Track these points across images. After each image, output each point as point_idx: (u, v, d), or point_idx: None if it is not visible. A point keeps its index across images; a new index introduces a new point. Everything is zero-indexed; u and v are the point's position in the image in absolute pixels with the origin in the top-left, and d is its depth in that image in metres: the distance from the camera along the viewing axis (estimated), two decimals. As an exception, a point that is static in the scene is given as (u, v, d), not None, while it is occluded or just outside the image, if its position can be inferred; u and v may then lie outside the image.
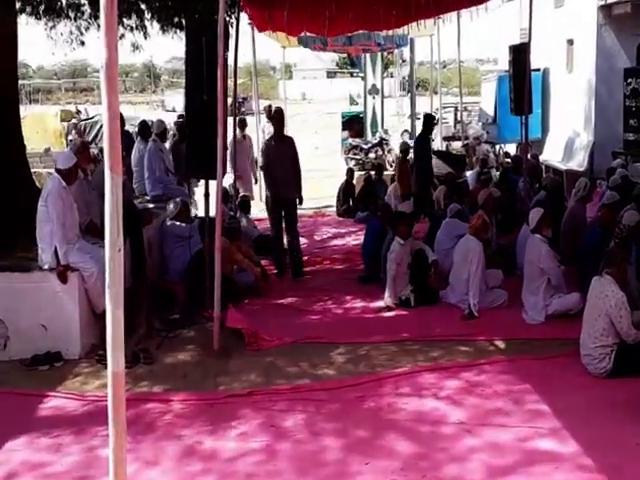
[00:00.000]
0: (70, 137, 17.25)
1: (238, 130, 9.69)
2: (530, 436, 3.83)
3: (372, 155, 15.35)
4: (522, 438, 3.81)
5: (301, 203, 7.60)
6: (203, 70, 5.47)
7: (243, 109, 28.02)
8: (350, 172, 12.04)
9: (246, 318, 5.73)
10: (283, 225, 7.53)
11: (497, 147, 15.58)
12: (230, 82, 7.09)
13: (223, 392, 4.53)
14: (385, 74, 22.76)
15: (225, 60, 5.49)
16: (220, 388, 4.63)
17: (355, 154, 15.45)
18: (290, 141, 7.49)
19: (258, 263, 7.24)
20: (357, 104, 21.37)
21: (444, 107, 21.54)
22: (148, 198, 8.24)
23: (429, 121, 10.21)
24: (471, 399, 4.35)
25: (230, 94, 7.67)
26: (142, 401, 4.35)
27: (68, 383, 4.74)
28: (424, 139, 10.13)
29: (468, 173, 12.02)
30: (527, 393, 4.38)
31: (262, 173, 8.01)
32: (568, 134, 13.07)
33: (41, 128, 18.62)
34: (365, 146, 15.76)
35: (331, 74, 35.05)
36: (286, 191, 7.31)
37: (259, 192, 11.03)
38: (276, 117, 7.78)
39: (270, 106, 11.41)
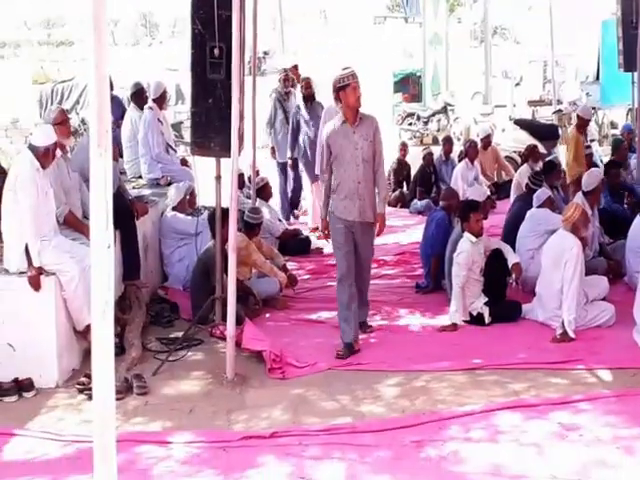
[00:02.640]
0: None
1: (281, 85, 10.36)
2: (646, 498, 3.78)
3: (433, 125, 15.29)
4: (634, 500, 3.77)
5: None
6: (214, 15, 5.53)
7: (264, 67, 28.20)
8: (404, 147, 12.01)
9: (268, 337, 5.77)
10: None
11: (600, 114, 15.33)
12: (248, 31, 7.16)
13: (239, 432, 4.56)
14: (450, 18, 22.65)
15: (243, 2, 5.54)
16: (235, 427, 4.67)
17: (410, 124, 15.42)
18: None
19: (283, 266, 7.30)
20: (413, 58, 21.30)
21: (530, 61, 21.35)
22: (144, 182, 8.38)
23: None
24: (565, 447, 4.30)
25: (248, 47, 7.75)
26: (135, 443, 4.41)
27: (42, 419, 4.83)
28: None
29: (562, 147, 11.85)
30: (641, 440, 4.32)
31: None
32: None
33: (7, 93, 19.06)
34: (424, 114, 15.70)
35: (379, 20, 34.96)
36: None
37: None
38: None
39: (296, 66, 11.41)
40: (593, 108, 15.24)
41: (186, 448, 4.37)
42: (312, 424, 4.68)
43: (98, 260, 2.50)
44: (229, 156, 5.39)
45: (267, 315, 6.68)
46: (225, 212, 5.80)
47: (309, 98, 9.61)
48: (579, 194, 7.44)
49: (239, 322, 5.64)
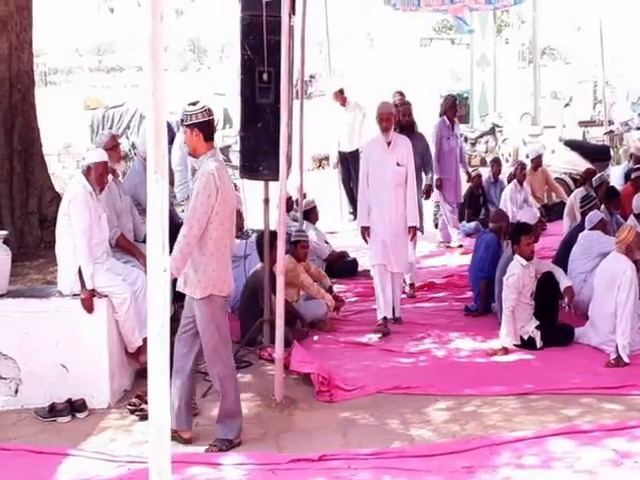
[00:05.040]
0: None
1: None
2: None
3: (481, 147, 15.24)
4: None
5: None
6: (262, 40, 5.64)
7: (311, 90, 28.46)
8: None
9: (316, 360, 5.79)
10: None
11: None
12: (296, 55, 7.26)
13: (287, 455, 4.58)
14: (498, 39, 22.60)
15: (291, 27, 5.64)
16: (284, 450, 4.70)
17: (458, 145, 15.34)
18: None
19: (330, 288, 7.33)
20: (460, 80, 21.28)
21: (580, 82, 21.15)
22: (192, 205, 8.50)
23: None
24: (621, 474, 4.23)
25: (297, 71, 7.87)
26: (187, 464, 4.46)
27: (94, 439, 4.92)
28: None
29: (613, 169, 11.70)
30: (700, 469, 4.22)
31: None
32: None
33: (60, 119, 19.57)
34: (472, 135, 15.66)
35: (425, 41, 35.06)
36: None
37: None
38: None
39: (342, 90, 11.51)
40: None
41: (236, 470, 4.41)
42: (361, 448, 4.68)
43: (154, 283, 2.56)
44: (277, 179, 5.46)
45: (315, 338, 6.71)
46: (273, 235, 5.86)
47: (407, 128, 8.13)
48: (631, 217, 7.34)
49: (287, 344, 5.67)
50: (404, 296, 7.66)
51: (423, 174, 8.43)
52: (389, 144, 6.67)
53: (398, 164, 6.65)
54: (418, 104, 9.87)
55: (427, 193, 8.69)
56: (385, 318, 6.77)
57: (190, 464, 4.45)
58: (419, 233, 7.65)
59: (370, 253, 6.96)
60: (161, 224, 2.57)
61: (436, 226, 10.52)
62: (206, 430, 4.95)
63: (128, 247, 6.06)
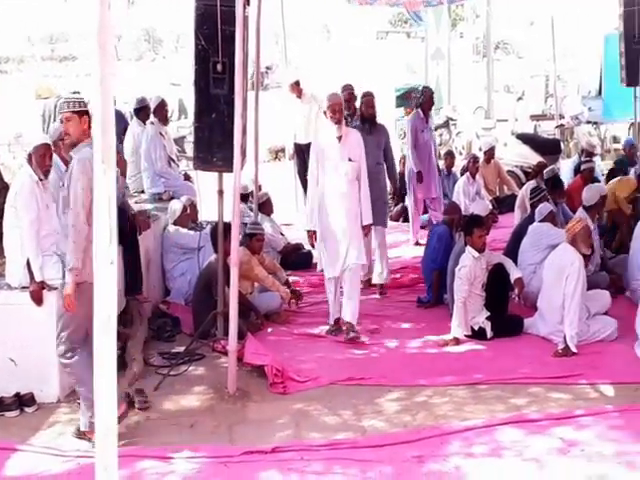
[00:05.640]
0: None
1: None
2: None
3: (437, 139, 15.31)
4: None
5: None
6: (217, 31, 5.58)
7: (267, 82, 28.32)
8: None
9: (269, 352, 5.77)
10: None
11: (602, 128, 15.37)
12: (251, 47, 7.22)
13: (240, 448, 4.56)
14: (452, 33, 22.76)
15: (246, 18, 5.59)
16: (236, 442, 4.67)
17: (413, 138, 15.40)
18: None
19: (286, 281, 7.32)
20: (415, 73, 21.40)
21: (532, 76, 21.43)
22: (146, 197, 8.42)
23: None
24: (567, 462, 4.29)
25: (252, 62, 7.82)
26: (137, 458, 4.41)
27: (43, 434, 4.84)
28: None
29: (564, 162, 11.88)
30: (643, 455, 4.31)
31: None
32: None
33: (11, 108, 19.17)
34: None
35: (381, 35, 35.13)
36: None
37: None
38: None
39: (298, 82, 11.46)
40: (595, 123, 15.38)
41: (187, 464, 4.38)
42: (314, 439, 4.69)
43: (101, 275, 2.52)
44: (231, 171, 5.42)
45: (269, 330, 6.69)
46: (227, 226, 5.82)
47: (370, 120, 7.77)
48: (580, 209, 7.46)
49: (241, 337, 5.65)
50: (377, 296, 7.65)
51: (385, 171, 7.93)
52: (340, 139, 6.37)
53: (350, 159, 6.37)
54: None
55: (394, 194, 8.35)
56: (337, 320, 6.57)
57: (140, 458, 4.41)
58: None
59: (323, 261, 6.52)
60: (108, 215, 2.53)
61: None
62: (158, 424, 4.90)
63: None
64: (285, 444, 4.59)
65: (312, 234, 6.52)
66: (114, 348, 2.55)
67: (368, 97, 7.88)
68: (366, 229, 6.58)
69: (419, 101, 9.54)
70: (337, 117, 6.36)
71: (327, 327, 6.66)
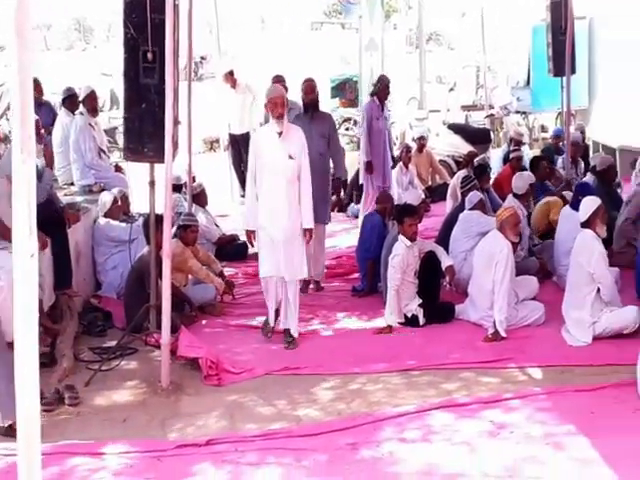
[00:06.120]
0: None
1: None
2: (574, 492, 3.88)
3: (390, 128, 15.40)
4: (563, 495, 3.87)
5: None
6: (146, 19, 5.48)
7: (201, 72, 28.02)
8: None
9: (204, 345, 5.71)
10: None
11: (531, 118, 15.69)
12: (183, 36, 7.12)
13: (174, 441, 4.51)
14: (386, 25, 22.88)
15: (176, 6, 5.50)
16: (170, 436, 4.62)
17: (347, 129, 15.50)
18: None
19: (220, 272, 7.26)
20: (350, 64, 21.44)
21: (463, 67, 21.75)
22: (75, 189, 8.24)
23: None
24: (497, 445, 4.38)
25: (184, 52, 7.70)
26: (67, 455, 4.32)
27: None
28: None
29: (494, 151, 12.10)
30: (570, 435, 4.43)
31: None
32: (623, 100, 13.18)
33: None
34: (360, 118, 15.79)
35: (316, 25, 35.12)
36: None
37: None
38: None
39: (232, 72, 11.37)
40: (524, 113, 15.70)
41: (119, 459, 4.30)
42: (248, 430, 4.67)
43: (21, 269, 2.44)
44: (163, 161, 5.34)
45: (203, 322, 6.63)
46: (159, 218, 5.73)
47: (311, 106, 7.49)
48: (510, 197, 7.61)
49: (174, 330, 5.58)
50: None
51: (331, 163, 7.67)
52: (280, 134, 5.91)
53: (290, 157, 5.91)
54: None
55: (337, 190, 7.93)
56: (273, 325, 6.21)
57: (70, 454, 4.32)
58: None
59: (259, 261, 6.16)
60: (28, 206, 2.45)
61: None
62: (89, 420, 4.81)
63: (5, 232, 5.77)
64: (219, 436, 4.56)
65: (250, 234, 6.13)
66: (36, 344, 2.47)
67: (308, 82, 7.49)
68: (307, 233, 6.02)
69: (375, 89, 9.28)
70: (278, 111, 5.89)
71: (264, 318, 6.57)
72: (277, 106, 5.88)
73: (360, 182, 9.28)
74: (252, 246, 6.46)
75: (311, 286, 7.56)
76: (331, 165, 7.78)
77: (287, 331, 6.10)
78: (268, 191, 5.96)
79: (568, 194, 7.96)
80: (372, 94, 9.34)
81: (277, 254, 5.93)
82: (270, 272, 6.00)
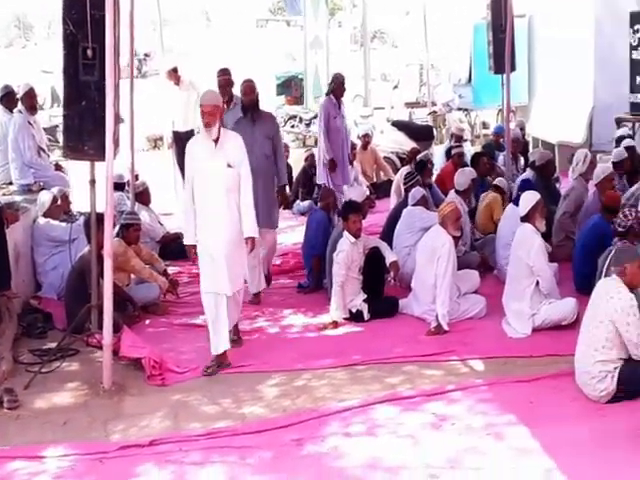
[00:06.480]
0: None
1: None
2: (515, 481, 3.93)
3: (315, 127, 15.39)
4: (504, 484, 3.92)
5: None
6: (86, 15, 5.38)
7: (146, 68, 27.68)
8: (286, 149, 12.04)
9: (147, 344, 5.65)
10: None
11: (472, 115, 15.90)
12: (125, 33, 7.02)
13: (116, 442, 4.46)
14: (331, 22, 22.94)
15: (117, 2, 5.41)
16: (113, 437, 4.56)
17: (293, 126, 15.49)
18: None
19: (164, 271, 7.18)
20: (295, 61, 21.46)
21: (407, 65, 21.94)
22: (14, 188, 8.05)
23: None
24: (439, 436, 4.43)
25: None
26: (6, 459, 4.24)
27: None
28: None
29: (436, 148, 12.22)
30: (510, 426, 4.51)
31: None
32: (561, 97, 13.46)
33: None
34: (306, 115, 15.82)
35: (261, 23, 35.01)
36: None
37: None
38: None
39: (175, 69, 11.23)
40: (466, 109, 15.90)
41: (60, 462, 4.25)
42: (192, 429, 4.64)
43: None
44: (104, 160, 5.26)
45: (147, 321, 6.56)
46: (101, 217, 5.64)
47: (251, 107, 7.03)
48: (452, 192, 7.69)
49: (116, 330, 5.50)
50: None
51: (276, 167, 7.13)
52: (216, 142, 5.48)
53: (229, 165, 5.49)
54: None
55: (283, 197, 7.36)
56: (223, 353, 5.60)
57: (9, 459, 4.24)
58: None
59: (200, 277, 5.68)
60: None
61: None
62: (28, 423, 4.71)
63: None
64: (163, 436, 4.52)
65: (191, 248, 5.66)
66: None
67: (247, 83, 7.08)
68: (249, 243, 5.61)
69: (330, 88, 9.09)
70: (205, 120, 5.40)
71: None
72: (204, 115, 5.41)
73: (321, 182, 9.13)
74: (193, 262, 6.20)
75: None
76: None
77: (233, 330, 5.93)
78: (206, 204, 5.50)
79: (502, 181, 8.25)
80: (328, 93, 9.18)
81: (218, 271, 5.46)
82: (211, 289, 5.52)
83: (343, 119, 9.26)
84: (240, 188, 5.55)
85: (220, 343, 5.51)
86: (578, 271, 6.62)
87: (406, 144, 12.05)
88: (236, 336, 5.98)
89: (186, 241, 5.76)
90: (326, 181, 8.97)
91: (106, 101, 5.18)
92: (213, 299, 5.52)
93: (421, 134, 12.89)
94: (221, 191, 5.49)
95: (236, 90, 7.73)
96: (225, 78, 7.91)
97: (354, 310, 6.43)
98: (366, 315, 6.41)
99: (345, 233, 6.51)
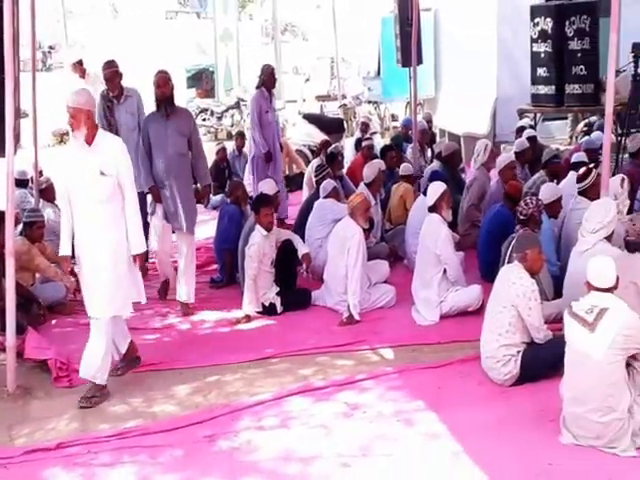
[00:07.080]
0: None
1: None
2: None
3: (227, 120, 15.29)
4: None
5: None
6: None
7: (50, 61, 26.79)
8: (221, 153, 11.88)
9: (53, 345, 5.51)
10: None
11: (382, 107, 16.09)
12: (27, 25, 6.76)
13: (20, 447, 4.33)
14: (242, 15, 22.76)
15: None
16: (18, 442, 4.43)
17: (204, 119, 15.30)
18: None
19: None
20: (206, 54, 21.19)
21: (318, 58, 22.01)
22: None
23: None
24: (351, 425, 4.48)
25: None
26: None
27: None
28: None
29: (347, 140, 12.30)
30: (419, 411, 4.60)
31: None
32: (466, 89, 13.78)
33: None
34: (217, 109, 15.65)
35: (171, 14, 34.39)
36: None
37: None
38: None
39: (81, 61, 10.90)
40: (375, 102, 16.08)
41: (-39, 471, 4.07)
42: (102, 430, 4.53)
43: None
44: (4, 155, 5.09)
45: (53, 322, 6.37)
46: (2, 215, 5.43)
47: (165, 101, 6.46)
48: (362, 185, 7.76)
49: (21, 331, 5.33)
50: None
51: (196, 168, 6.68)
52: (90, 144, 4.83)
53: (102, 173, 4.81)
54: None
55: (203, 196, 7.09)
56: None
57: None
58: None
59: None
60: None
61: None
62: None
63: None
64: (70, 438, 4.40)
65: (67, 259, 5.13)
66: None
67: (161, 74, 6.50)
68: (137, 260, 5.02)
69: (261, 81, 8.75)
70: (70, 122, 4.83)
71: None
72: (70, 117, 4.81)
73: (250, 175, 8.96)
74: (68, 285, 6.26)
75: (178, 308, 6.62)
76: None
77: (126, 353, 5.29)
78: (79, 216, 4.90)
79: (407, 167, 8.36)
80: (258, 86, 8.84)
81: (100, 293, 4.88)
82: (97, 314, 4.91)
83: (274, 112, 9.11)
84: (124, 199, 4.92)
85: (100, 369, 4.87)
86: (483, 259, 6.80)
87: (317, 137, 12.09)
88: (132, 355, 5.30)
89: (60, 252, 5.13)
90: (254, 174, 8.86)
91: (5, 95, 5.00)
92: (98, 324, 4.89)
93: (332, 127, 12.98)
94: (93, 202, 4.84)
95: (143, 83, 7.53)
96: (112, 71, 7.47)
97: (267, 303, 6.42)
98: (279, 308, 6.41)
99: (257, 226, 6.48)
